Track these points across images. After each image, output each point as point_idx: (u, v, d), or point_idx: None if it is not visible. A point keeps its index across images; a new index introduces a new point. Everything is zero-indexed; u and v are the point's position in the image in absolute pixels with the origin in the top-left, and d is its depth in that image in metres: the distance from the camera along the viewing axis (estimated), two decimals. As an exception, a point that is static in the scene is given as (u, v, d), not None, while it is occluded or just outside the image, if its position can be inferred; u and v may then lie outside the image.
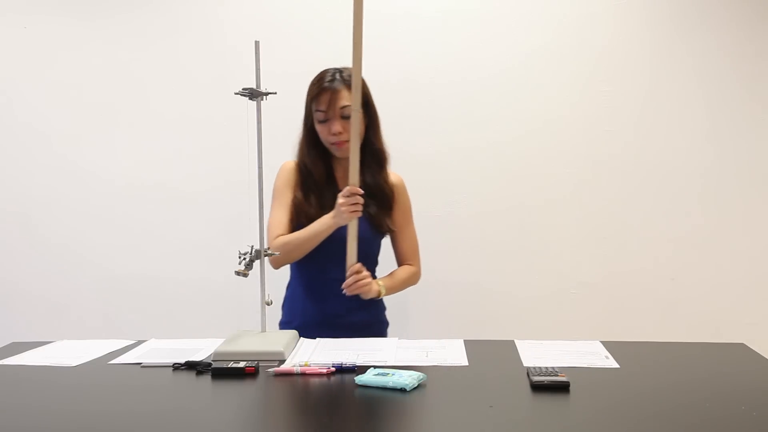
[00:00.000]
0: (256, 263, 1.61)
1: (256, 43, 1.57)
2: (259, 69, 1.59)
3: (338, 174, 1.91)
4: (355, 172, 1.71)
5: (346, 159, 1.79)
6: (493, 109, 2.55)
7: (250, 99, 1.60)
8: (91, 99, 2.64)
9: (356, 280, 1.73)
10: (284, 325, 1.93)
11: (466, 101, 2.55)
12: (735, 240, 2.52)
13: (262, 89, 1.60)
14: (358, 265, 1.74)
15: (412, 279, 1.95)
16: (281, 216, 1.85)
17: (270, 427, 1.19)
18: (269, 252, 1.63)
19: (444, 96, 2.55)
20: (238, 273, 1.58)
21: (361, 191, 1.71)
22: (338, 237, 1.77)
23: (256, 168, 1.63)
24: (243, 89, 1.58)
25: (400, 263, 1.96)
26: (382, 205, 1.88)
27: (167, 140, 2.62)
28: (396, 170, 2.56)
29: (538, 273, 2.57)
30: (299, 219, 1.86)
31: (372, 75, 2.52)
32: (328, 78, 1.82)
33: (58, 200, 2.67)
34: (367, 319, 1.89)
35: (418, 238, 1.98)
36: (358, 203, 1.70)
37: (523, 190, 2.56)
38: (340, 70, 1.85)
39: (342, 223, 1.74)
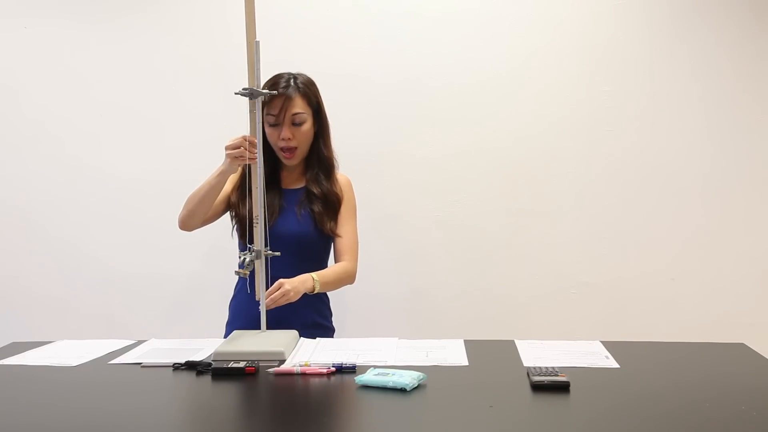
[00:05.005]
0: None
1: (256, 43, 1.57)
2: (259, 69, 1.59)
3: (284, 181, 1.93)
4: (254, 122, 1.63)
5: (293, 165, 1.89)
6: (494, 109, 2.55)
7: (250, 99, 1.60)
8: (92, 98, 2.64)
9: (270, 294, 1.65)
10: (229, 325, 1.93)
11: (467, 101, 2.55)
12: (735, 240, 2.52)
13: (262, 89, 1.61)
14: (277, 283, 1.68)
15: (345, 276, 1.87)
16: None
17: (270, 427, 1.19)
18: (269, 252, 1.64)
19: (444, 96, 2.55)
20: (238, 273, 1.58)
21: (252, 140, 1.63)
22: (280, 236, 1.77)
23: (257, 167, 1.63)
24: (243, 89, 1.58)
25: (336, 259, 1.93)
26: (327, 207, 1.89)
27: (168, 139, 2.62)
28: (396, 171, 2.58)
29: (538, 273, 2.57)
30: (233, 220, 1.89)
31: (373, 75, 2.55)
32: (283, 84, 1.82)
33: (58, 198, 2.66)
34: (313, 320, 1.87)
35: (358, 238, 1.94)
36: (242, 148, 1.64)
37: (523, 191, 2.56)
38: (294, 76, 1.86)
39: (229, 170, 1.72)
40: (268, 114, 1.81)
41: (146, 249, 2.65)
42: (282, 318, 1.71)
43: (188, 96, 2.61)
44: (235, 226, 1.90)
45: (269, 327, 1.66)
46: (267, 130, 1.84)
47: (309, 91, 1.86)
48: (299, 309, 1.76)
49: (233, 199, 1.89)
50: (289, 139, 1.83)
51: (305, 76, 1.89)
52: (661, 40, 2.50)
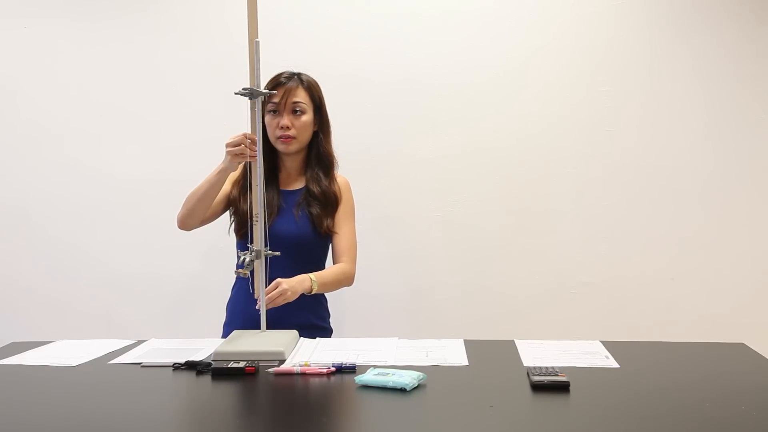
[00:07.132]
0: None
1: (256, 43, 1.57)
2: (259, 69, 1.59)
3: (282, 175, 1.93)
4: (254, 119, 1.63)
5: (291, 159, 1.90)
6: (494, 109, 2.55)
7: (250, 99, 1.60)
8: (92, 98, 2.64)
9: (267, 293, 1.66)
10: (227, 326, 1.93)
11: (467, 101, 2.55)
12: (735, 240, 2.52)
13: (262, 89, 1.61)
14: (274, 282, 1.68)
15: (343, 278, 1.87)
16: None
17: (270, 427, 1.19)
18: (269, 252, 1.63)
19: (444, 96, 2.55)
20: (238, 272, 1.58)
21: (253, 137, 1.63)
22: (278, 237, 1.76)
23: (257, 166, 1.63)
24: (243, 89, 1.58)
25: (334, 260, 1.93)
26: (325, 208, 1.89)
27: (167, 139, 2.62)
28: (396, 171, 2.58)
29: (538, 273, 2.57)
30: (233, 215, 1.90)
31: (373, 75, 2.55)
32: (286, 75, 1.88)
33: (57, 199, 2.67)
34: (310, 321, 1.86)
35: (357, 240, 1.95)
36: (243, 146, 1.65)
37: (523, 190, 2.56)
38: (299, 73, 1.90)
39: (229, 168, 1.73)
40: (269, 102, 1.83)
41: (146, 249, 2.65)
42: (277, 319, 1.70)
43: (188, 96, 2.61)
44: (233, 225, 1.90)
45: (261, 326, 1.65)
46: (267, 119, 1.85)
47: (312, 87, 1.90)
48: (295, 310, 1.76)
49: (234, 193, 1.90)
50: (287, 127, 1.84)
51: (310, 76, 1.92)
52: (662, 40, 2.50)
